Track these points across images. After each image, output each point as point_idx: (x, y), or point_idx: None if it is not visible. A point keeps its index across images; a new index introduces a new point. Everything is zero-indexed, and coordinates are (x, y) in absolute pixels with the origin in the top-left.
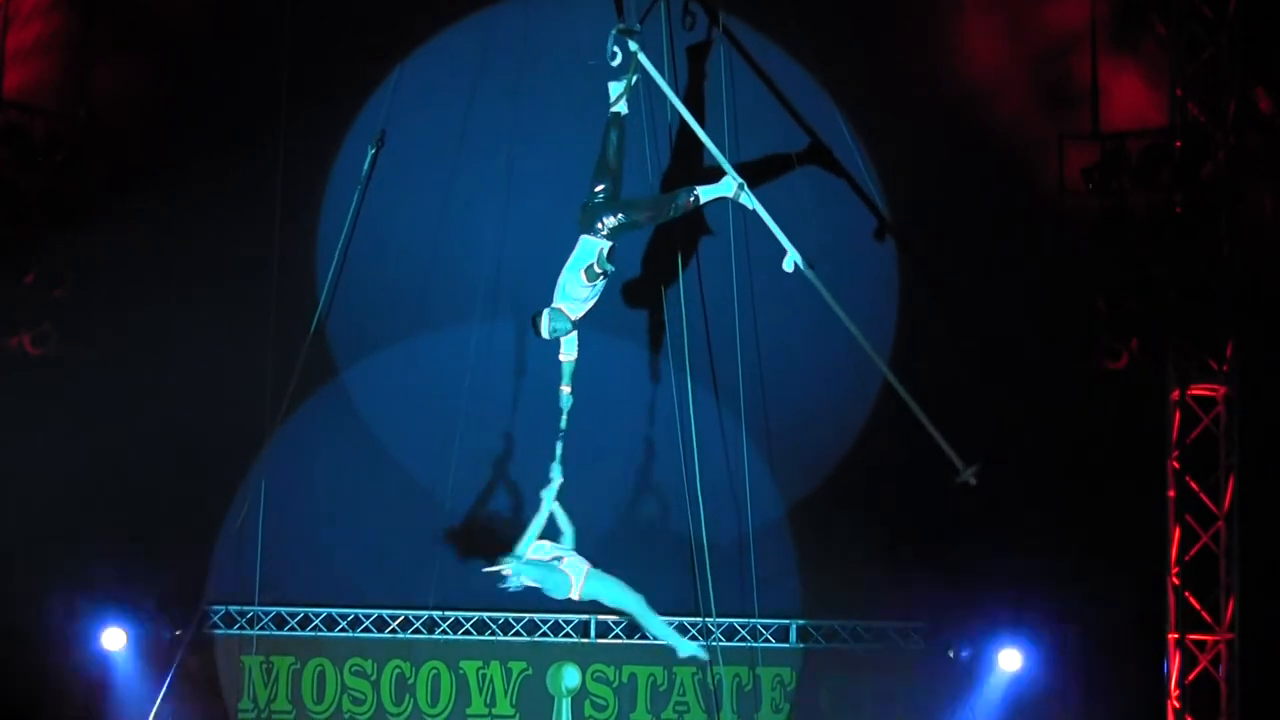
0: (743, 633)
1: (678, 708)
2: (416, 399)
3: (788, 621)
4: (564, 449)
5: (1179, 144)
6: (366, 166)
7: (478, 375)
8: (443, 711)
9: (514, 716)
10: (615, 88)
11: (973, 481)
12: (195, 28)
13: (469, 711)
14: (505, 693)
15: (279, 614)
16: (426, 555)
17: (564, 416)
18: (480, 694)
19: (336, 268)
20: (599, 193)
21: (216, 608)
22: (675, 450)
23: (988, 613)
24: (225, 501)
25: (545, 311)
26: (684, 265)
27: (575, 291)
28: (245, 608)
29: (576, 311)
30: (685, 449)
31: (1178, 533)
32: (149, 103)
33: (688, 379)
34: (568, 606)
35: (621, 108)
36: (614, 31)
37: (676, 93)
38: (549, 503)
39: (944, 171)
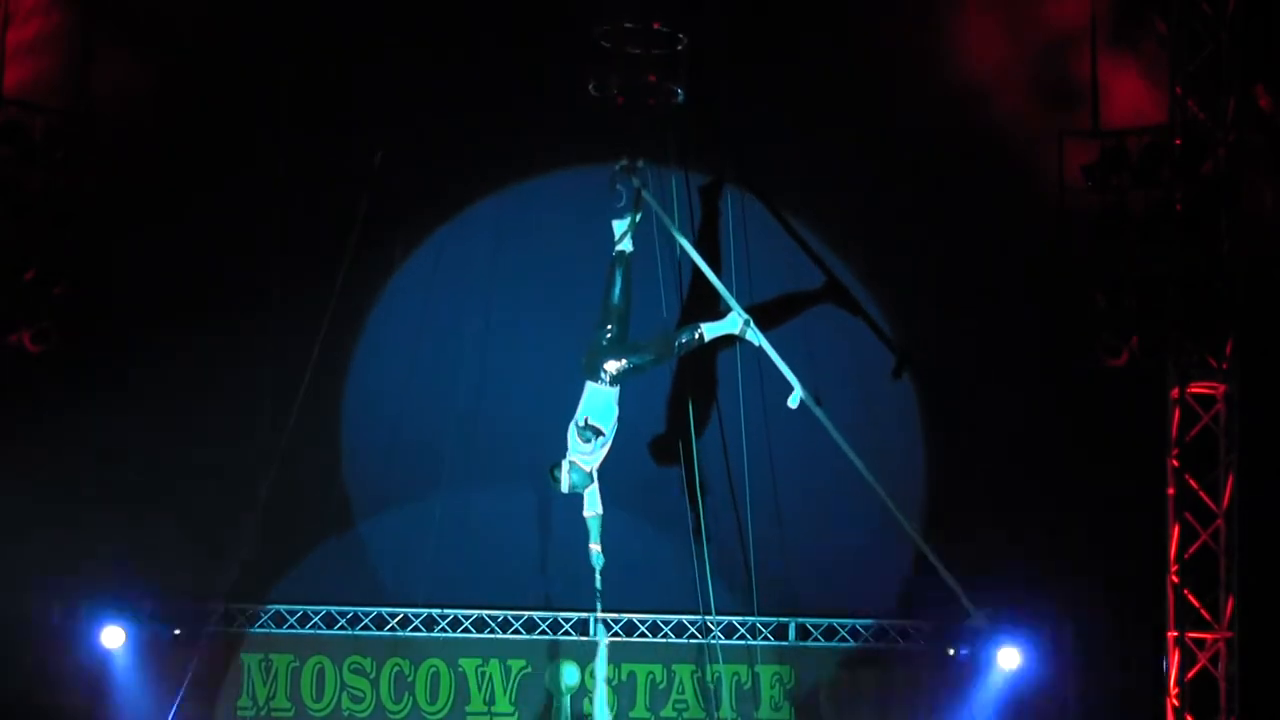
0: (742, 630)
1: (677, 705)
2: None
3: (787, 619)
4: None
5: (1179, 141)
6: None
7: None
8: (442, 709)
9: (513, 714)
10: (619, 226)
11: (985, 625)
12: (196, 23)
13: (468, 709)
14: (504, 691)
15: (278, 612)
16: (425, 553)
17: (597, 575)
18: (479, 692)
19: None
20: (606, 335)
21: (215, 605)
22: (675, 451)
23: (987, 610)
24: (225, 498)
25: (564, 464)
26: (700, 431)
27: (581, 446)
28: (244, 605)
29: (591, 463)
30: (685, 447)
31: (1177, 530)
32: (150, 99)
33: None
34: (567, 605)
35: (626, 245)
36: (616, 168)
37: (689, 233)
38: (601, 671)
39: (943, 169)
